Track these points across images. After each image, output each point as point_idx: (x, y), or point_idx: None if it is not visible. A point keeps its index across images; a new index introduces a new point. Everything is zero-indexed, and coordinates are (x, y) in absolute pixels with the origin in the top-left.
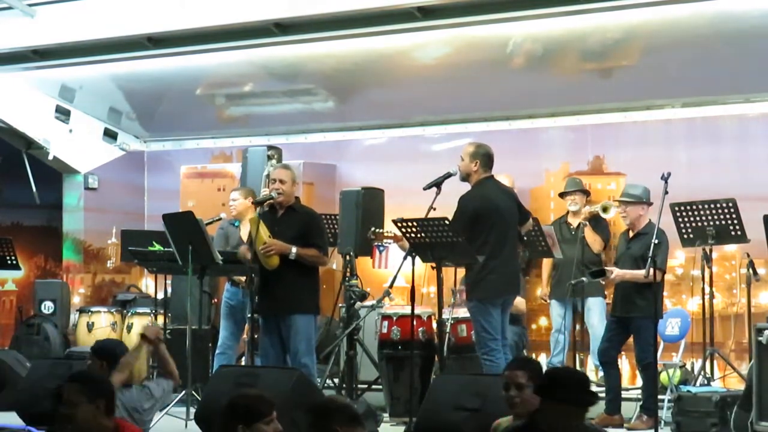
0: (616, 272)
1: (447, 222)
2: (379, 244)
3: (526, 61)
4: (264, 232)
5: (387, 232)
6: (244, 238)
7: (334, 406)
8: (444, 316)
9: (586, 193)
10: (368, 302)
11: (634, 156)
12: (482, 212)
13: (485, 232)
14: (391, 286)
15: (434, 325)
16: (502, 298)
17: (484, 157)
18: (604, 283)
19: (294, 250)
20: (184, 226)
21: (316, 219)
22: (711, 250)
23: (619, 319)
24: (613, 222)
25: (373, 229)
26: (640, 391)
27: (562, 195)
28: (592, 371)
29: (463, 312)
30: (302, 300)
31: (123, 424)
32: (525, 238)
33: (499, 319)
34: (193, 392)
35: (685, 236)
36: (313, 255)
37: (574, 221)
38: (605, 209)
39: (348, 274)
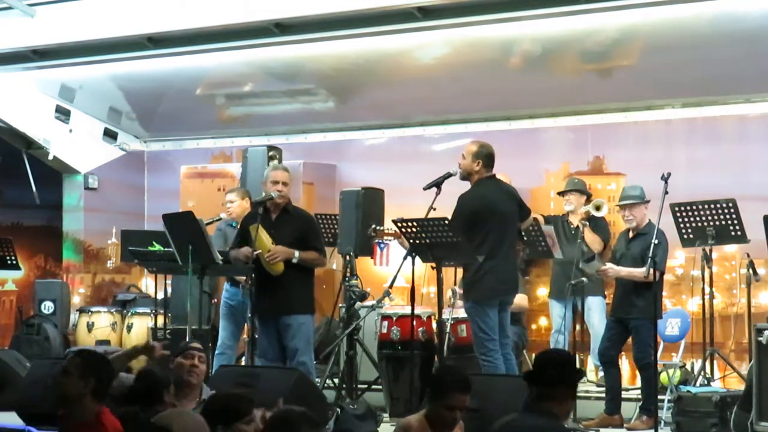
0: (610, 266)
1: (447, 222)
2: (380, 241)
3: (526, 61)
4: (267, 239)
5: (387, 229)
6: None
7: (296, 416)
8: (444, 316)
9: (585, 193)
10: (368, 302)
11: (634, 156)
12: (480, 213)
13: (483, 233)
14: (391, 286)
15: (434, 325)
16: (498, 298)
17: (487, 157)
18: (596, 274)
19: (297, 254)
20: (184, 226)
21: (313, 222)
22: (711, 250)
23: (618, 319)
24: (613, 222)
25: (373, 226)
26: (639, 392)
27: (561, 194)
28: (592, 371)
29: (463, 312)
30: (300, 301)
31: (107, 413)
32: (525, 237)
33: (497, 320)
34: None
35: (685, 236)
36: (314, 258)
37: (574, 220)
38: (598, 207)
39: (348, 274)
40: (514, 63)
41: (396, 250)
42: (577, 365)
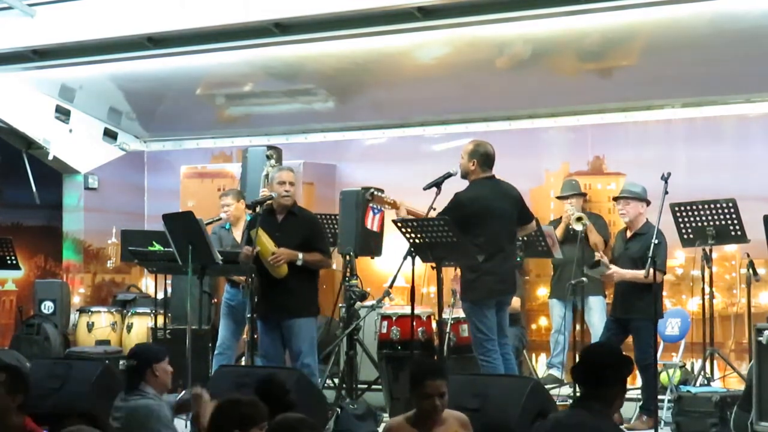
0: (615, 270)
1: (446, 222)
2: (375, 206)
3: (525, 61)
4: (269, 241)
5: (386, 197)
6: (238, 240)
7: (296, 421)
8: (444, 316)
9: (583, 194)
10: (368, 302)
11: (634, 156)
12: (474, 214)
13: (477, 234)
14: (391, 286)
15: (434, 325)
16: (495, 298)
17: (483, 156)
18: (601, 278)
19: (301, 256)
20: (184, 226)
21: (318, 224)
22: (711, 250)
23: (618, 319)
24: (613, 222)
25: (371, 190)
26: (640, 391)
27: (560, 198)
28: None
29: (463, 312)
30: (304, 304)
31: (29, 421)
32: (522, 240)
33: (494, 320)
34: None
35: (685, 236)
36: (319, 260)
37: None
38: (579, 219)
39: (348, 274)
40: (514, 63)
41: (388, 217)
42: (623, 358)
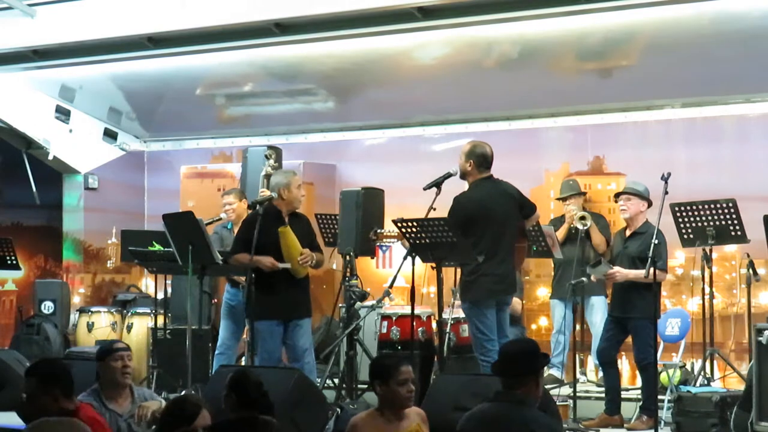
0: (617, 270)
1: (446, 222)
2: (382, 244)
3: (526, 61)
4: (296, 241)
5: (389, 231)
6: None
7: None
8: (444, 316)
9: (582, 194)
10: (368, 302)
11: (634, 156)
12: (473, 216)
13: (477, 235)
14: (391, 286)
15: (434, 325)
16: (495, 298)
17: (479, 157)
18: (603, 278)
19: (315, 256)
20: (184, 226)
21: (310, 224)
22: (711, 251)
23: (617, 319)
24: (613, 222)
25: (375, 229)
26: (640, 392)
27: (561, 199)
28: (592, 371)
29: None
30: (308, 303)
31: (84, 408)
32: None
33: (494, 320)
34: (193, 392)
35: (685, 236)
36: (322, 259)
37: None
38: (583, 218)
39: (348, 274)
40: (514, 63)
41: (398, 251)
42: (540, 350)
